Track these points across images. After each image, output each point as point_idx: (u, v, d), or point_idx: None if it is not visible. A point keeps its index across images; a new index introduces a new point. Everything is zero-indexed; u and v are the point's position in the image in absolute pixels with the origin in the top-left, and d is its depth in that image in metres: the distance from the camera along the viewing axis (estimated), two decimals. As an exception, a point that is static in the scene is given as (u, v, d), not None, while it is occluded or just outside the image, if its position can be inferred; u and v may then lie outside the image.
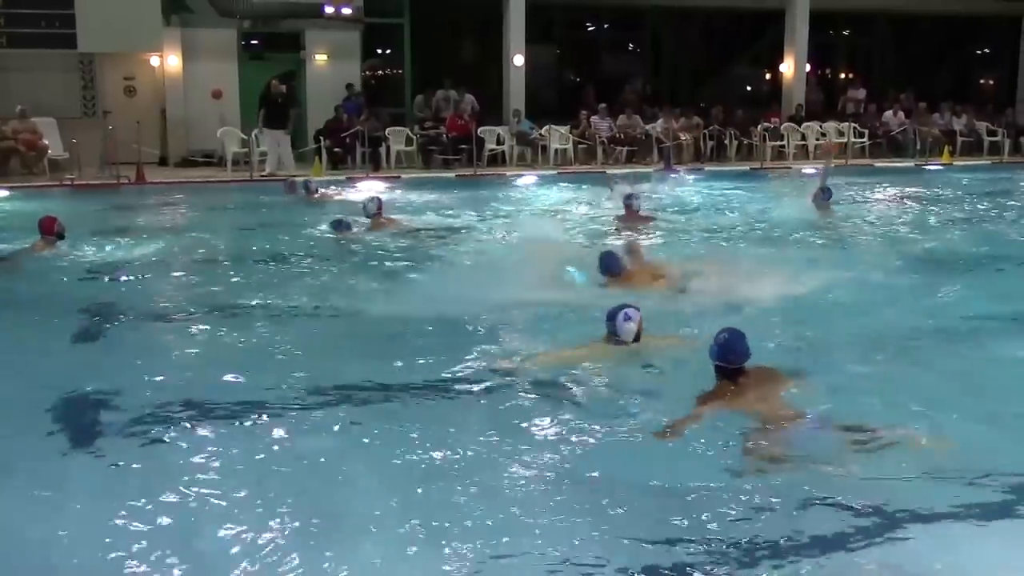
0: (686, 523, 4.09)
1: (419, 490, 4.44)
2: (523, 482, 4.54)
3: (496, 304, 7.54)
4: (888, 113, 22.62)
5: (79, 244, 10.30)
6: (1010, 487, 4.45)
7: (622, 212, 12.09)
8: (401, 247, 10.67)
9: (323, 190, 15.20)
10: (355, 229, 11.34)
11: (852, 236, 11.65)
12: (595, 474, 4.61)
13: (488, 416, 5.36)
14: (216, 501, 4.33)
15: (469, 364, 6.24)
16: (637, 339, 6.09)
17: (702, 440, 4.87)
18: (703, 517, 4.12)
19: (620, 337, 6.06)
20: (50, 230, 9.85)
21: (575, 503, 4.31)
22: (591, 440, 5.02)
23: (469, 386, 5.86)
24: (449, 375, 6.06)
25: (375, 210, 11.64)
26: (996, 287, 8.84)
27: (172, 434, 5.11)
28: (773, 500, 4.29)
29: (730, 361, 5.09)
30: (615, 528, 4.07)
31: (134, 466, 4.74)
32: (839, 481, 4.45)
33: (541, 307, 7.51)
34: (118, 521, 4.12)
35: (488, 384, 5.87)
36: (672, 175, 18.52)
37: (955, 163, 20.95)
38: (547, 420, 5.26)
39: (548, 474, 4.63)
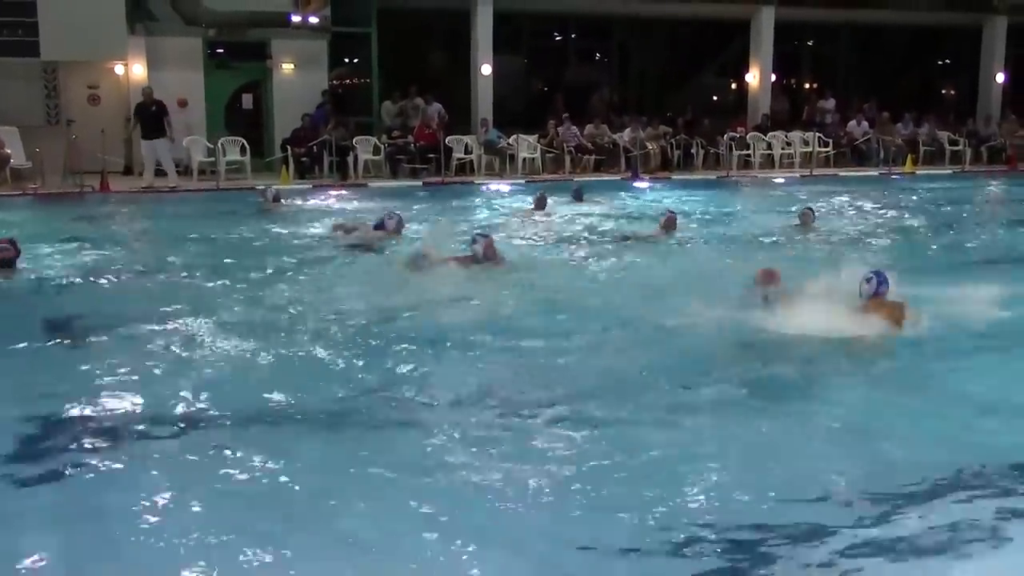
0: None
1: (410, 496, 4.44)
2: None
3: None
4: (852, 123, 22.88)
5: (40, 255, 10.13)
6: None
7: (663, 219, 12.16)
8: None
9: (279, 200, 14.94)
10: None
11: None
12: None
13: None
14: (183, 516, 4.29)
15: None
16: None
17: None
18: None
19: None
20: None
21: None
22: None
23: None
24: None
25: (394, 226, 11.25)
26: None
27: (133, 453, 5.02)
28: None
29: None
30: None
31: (98, 486, 4.67)
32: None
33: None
34: (80, 540, 4.08)
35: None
36: (639, 184, 18.65)
37: (918, 172, 21.22)
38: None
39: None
